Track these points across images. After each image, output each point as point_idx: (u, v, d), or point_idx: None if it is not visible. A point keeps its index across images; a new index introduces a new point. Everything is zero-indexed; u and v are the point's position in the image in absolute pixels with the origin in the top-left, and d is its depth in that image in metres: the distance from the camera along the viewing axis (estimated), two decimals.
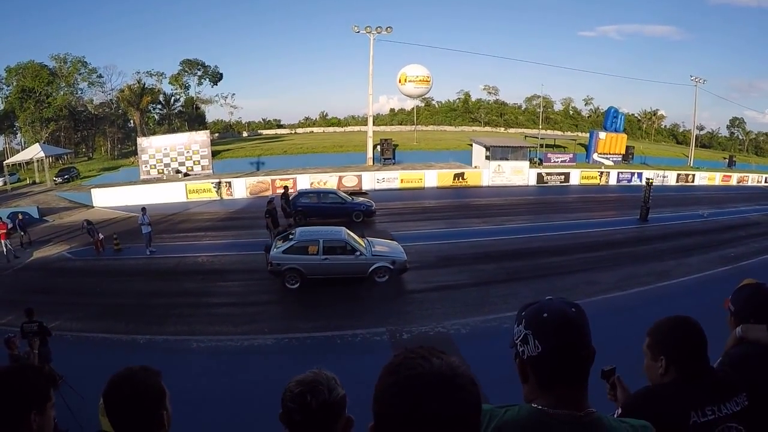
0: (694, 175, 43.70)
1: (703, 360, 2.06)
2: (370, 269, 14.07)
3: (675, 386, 2.00)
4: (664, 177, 40.13)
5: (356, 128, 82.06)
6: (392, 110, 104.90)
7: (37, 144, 43.74)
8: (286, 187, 20.54)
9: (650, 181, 25.26)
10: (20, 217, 21.14)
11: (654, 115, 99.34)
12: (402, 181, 33.90)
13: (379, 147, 40.65)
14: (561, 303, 1.49)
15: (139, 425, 1.69)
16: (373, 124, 43.74)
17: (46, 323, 9.55)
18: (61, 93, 61.87)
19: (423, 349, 1.15)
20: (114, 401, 1.70)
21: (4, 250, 19.13)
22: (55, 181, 41.36)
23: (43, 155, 40.97)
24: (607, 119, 48.05)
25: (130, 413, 1.69)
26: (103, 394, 1.72)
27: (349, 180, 32.52)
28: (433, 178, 34.58)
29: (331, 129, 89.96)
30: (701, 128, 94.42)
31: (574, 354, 1.44)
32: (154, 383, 1.73)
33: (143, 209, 18.96)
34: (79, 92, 66.27)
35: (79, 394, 6.98)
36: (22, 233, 20.70)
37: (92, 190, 31.73)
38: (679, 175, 42.87)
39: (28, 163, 45.46)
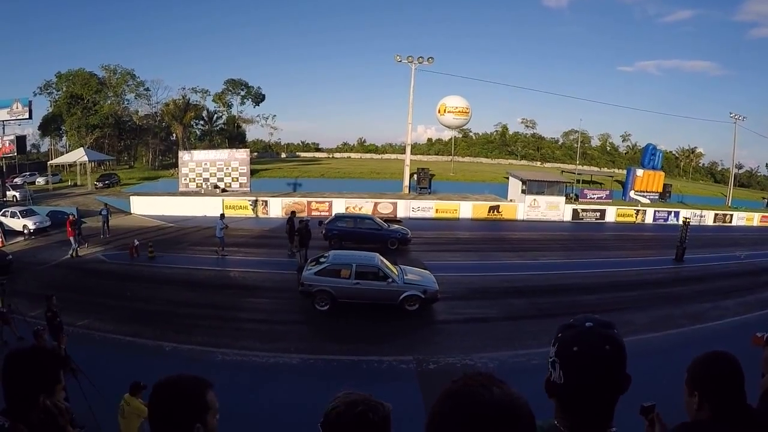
0: (732, 215, 42.41)
1: (739, 397, 2.02)
2: (401, 297, 13.86)
3: (710, 424, 1.97)
4: (701, 217, 38.90)
5: (393, 156, 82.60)
6: (430, 140, 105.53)
7: (82, 148, 45.58)
8: (293, 212, 21.08)
9: (687, 220, 24.61)
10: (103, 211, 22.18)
11: (692, 152, 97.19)
12: (437, 211, 33.83)
13: (415, 176, 40.78)
14: (598, 337, 1.41)
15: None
16: (411, 153, 43.93)
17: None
18: (108, 102, 64.30)
19: (483, 377, 1.14)
20: (154, 403, 1.69)
21: (74, 245, 20.10)
22: (95, 185, 42.79)
23: (87, 159, 42.55)
24: (645, 156, 47.34)
25: (164, 419, 1.67)
26: (150, 395, 1.71)
27: (385, 207, 32.59)
28: (468, 209, 34.40)
29: (368, 155, 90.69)
30: (740, 167, 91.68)
31: (597, 391, 1.39)
32: (198, 393, 1.70)
33: (222, 215, 21.06)
34: (126, 102, 68.96)
35: (99, 391, 6.90)
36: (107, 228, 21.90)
37: (131, 197, 32.70)
38: (716, 215, 41.66)
39: (71, 165, 47.22)
